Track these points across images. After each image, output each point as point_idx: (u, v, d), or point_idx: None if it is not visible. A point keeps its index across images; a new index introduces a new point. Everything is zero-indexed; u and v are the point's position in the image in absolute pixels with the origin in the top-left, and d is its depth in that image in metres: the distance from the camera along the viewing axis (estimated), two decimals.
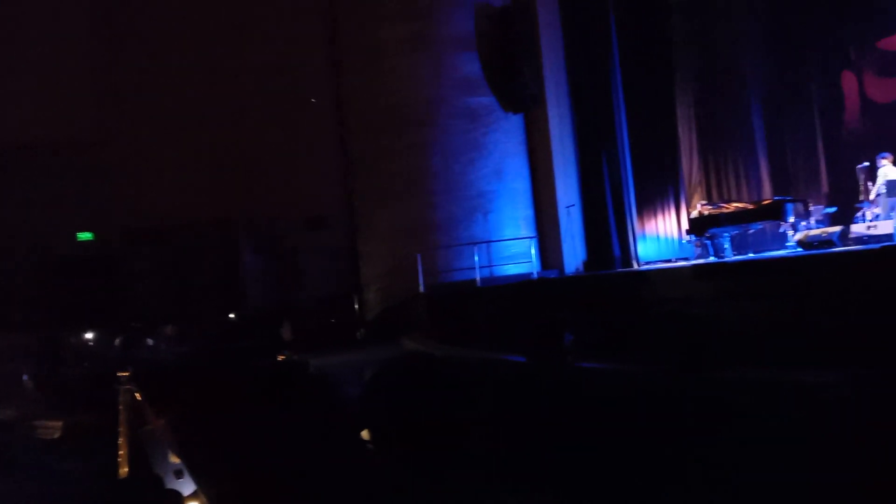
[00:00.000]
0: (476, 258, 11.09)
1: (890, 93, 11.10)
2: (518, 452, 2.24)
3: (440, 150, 11.81)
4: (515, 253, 11.85)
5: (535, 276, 11.14)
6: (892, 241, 7.99)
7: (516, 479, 2.12)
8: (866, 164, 9.76)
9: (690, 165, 13.07)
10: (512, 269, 11.63)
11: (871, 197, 9.46)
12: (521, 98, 11.76)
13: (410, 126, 11.75)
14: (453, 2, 11.83)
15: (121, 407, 4.05)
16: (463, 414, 1.62)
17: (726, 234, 9.94)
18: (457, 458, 1.55)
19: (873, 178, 9.56)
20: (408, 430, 1.53)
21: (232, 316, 12.24)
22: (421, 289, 11.00)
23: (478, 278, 10.97)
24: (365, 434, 1.76)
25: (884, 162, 9.36)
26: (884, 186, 9.20)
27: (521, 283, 9.92)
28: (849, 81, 11.66)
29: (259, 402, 2.28)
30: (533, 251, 11.63)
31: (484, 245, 11.56)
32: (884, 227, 8.35)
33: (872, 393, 1.49)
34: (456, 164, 11.82)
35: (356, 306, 12.65)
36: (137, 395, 3.97)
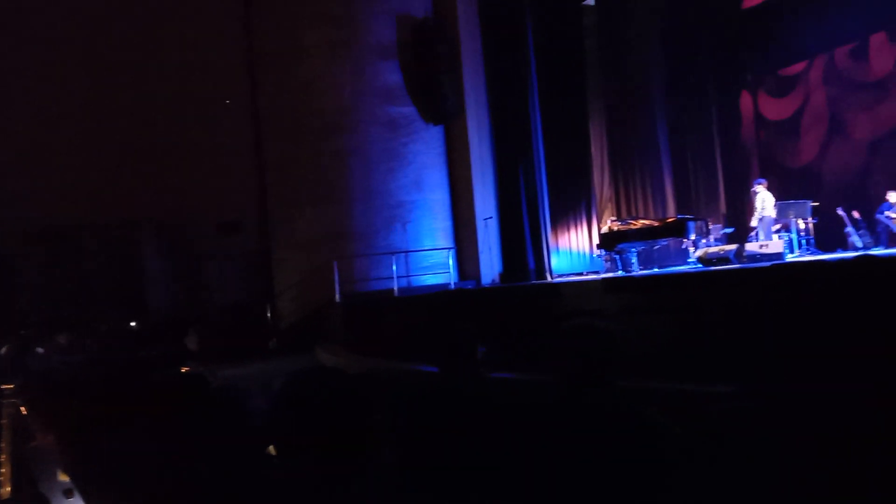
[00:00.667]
0: (394, 268, 11.05)
1: (784, 111, 11.97)
2: (426, 463, 2.24)
3: (360, 157, 11.72)
4: (433, 263, 11.90)
5: (453, 286, 11.24)
6: (782, 259, 8.60)
7: (424, 490, 2.12)
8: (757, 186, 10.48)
9: (602, 182, 13.63)
10: (430, 280, 11.67)
11: (753, 223, 10.17)
12: (442, 110, 11.89)
13: (330, 132, 11.61)
14: (375, 11, 11.81)
15: (3, 422, 3.76)
16: (373, 426, 1.60)
17: (633, 250, 10.40)
18: (365, 471, 1.53)
19: None
20: (316, 444, 1.49)
21: (133, 324, 11.59)
22: (337, 298, 10.85)
23: (395, 288, 10.94)
24: (271, 449, 1.71)
25: (759, 188, 10.13)
26: (761, 210, 9.94)
27: (438, 294, 9.97)
28: (746, 105, 12.52)
29: (158, 416, 2.17)
30: (451, 262, 11.73)
31: (402, 255, 11.55)
32: (774, 247, 8.97)
33: (765, 405, 1.59)
34: (376, 172, 11.76)
35: (268, 315, 12.30)
36: (23, 409, 3.69)
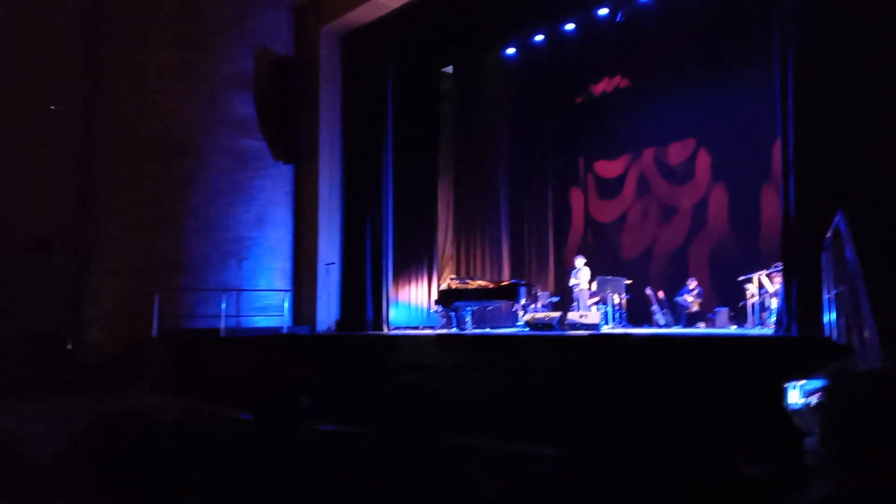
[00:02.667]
0: (223, 306, 10.45)
1: (608, 212, 13.22)
2: None
3: (201, 186, 11.12)
4: (268, 305, 11.44)
5: (285, 330, 10.85)
6: (598, 329, 9.33)
7: None
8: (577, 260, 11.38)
9: (445, 240, 14.06)
10: (262, 322, 11.18)
11: (576, 288, 11.02)
12: (294, 149, 11.71)
13: (170, 157, 10.92)
14: (234, 41, 11.49)
15: None
16: (181, 475, 1.45)
17: (469, 308, 10.75)
18: None
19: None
20: (116, 494, 1.32)
21: None
22: (154, 333, 10.01)
23: (223, 327, 10.33)
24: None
25: (578, 262, 11.09)
26: (579, 283, 10.84)
27: (268, 337, 9.56)
28: (576, 196, 13.69)
29: None
30: (286, 305, 11.34)
31: (234, 293, 10.98)
32: (592, 318, 9.72)
33: (578, 466, 1.66)
34: (216, 204, 11.19)
35: (70, 347, 11.01)
36: None
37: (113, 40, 11.09)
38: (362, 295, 11.51)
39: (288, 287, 11.79)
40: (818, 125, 6.58)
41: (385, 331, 11.27)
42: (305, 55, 12.03)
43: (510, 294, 10.49)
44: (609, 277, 10.64)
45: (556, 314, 10.02)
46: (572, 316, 9.99)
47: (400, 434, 2.06)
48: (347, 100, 12.12)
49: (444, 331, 10.50)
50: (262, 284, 11.49)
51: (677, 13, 10.76)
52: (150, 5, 11.07)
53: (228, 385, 6.87)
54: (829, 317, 5.09)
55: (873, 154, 6.20)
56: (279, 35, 12.02)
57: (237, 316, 10.98)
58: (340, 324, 11.68)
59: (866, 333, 3.58)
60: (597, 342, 6.45)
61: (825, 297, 5.33)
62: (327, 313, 11.66)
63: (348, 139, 12.08)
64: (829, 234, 4.95)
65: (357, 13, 11.49)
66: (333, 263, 11.78)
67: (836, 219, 4.50)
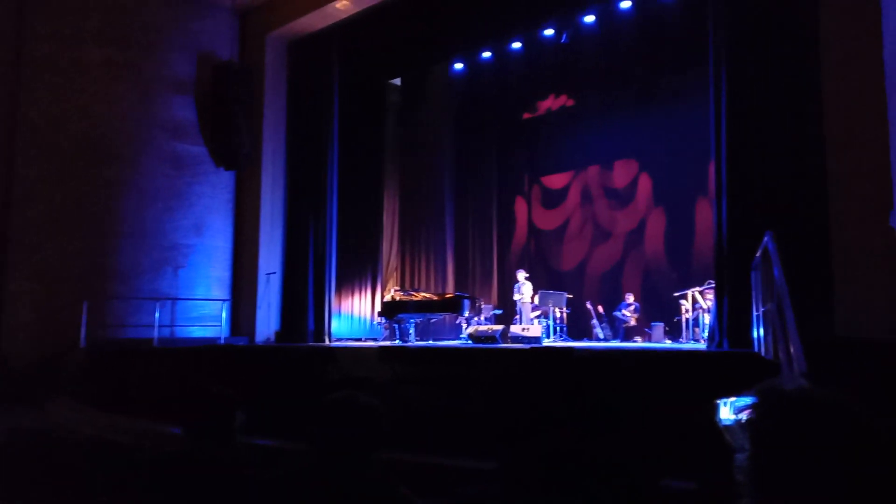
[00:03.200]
0: (157, 315, 10.07)
1: (550, 222, 13.45)
2: None
3: (136, 191, 10.71)
4: (204, 315, 11.09)
5: (223, 341, 10.53)
6: (539, 343, 9.42)
7: None
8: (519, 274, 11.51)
9: (390, 251, 13.99)
10: (198, 332, 10.82)
11: (519, 302, 11.15)
12: (236, 156, 11.43)
13: (103, 159, 10.49)
14: (174, 43, 11.18)
15: None
16: (105, 493, 1.37)
17: (412, 321, 10.69)
18: None
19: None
20: None
21: None
22: (82, 343, 9.55)
23: (155, 337, 9.95)
24: None
25: (520, 276, 11.23)
26: (522, 296, 10.97)
27: (203, 348, 9.25)
28: (521, 205, 13.87)
29: None
30: (224, 315, 11.03)
31: (169, 302, 10.60)
32: (534, 331, 9.82)
33: (513, 482, 1.64)
34: (151, 210, 10.80)
35: None
36: None
37: (41, 37, 10.60)
38: (304, 306, 11.28)
39: (226, 296, 11.47)
40: (749, 149, 6.87)
41: (326, 342, 11.08)
42: (250, 61, 11.81)
43: (454, 307, 10.50)
44: (551, 292, 10.78)
45: (499, 327, 10.08)
46: (515, 329, 10.06)
47: (332, 450, 2.01)
48: (293, 107, 11.94)
49: (387, 343, 10.41)
50: (200, 293, 11.14)
51: (619, 36, 11.09)
52: (83, 3, 10.65)
53: (159, 398, 6.61)
54: (758, 333, 5.29)
55: (798, 178, 6.52)
56: (223, 39, 11.76)
57: (171, 326, 10.59)
58: (280, 335, 11.42)
59: (792, 349, 3.73)
60: (538, 355, 6.51)
61: (754, 313, 5.54)
62: (267, 324, 11.39)
63: (293, 147, 11.88)
64: (758, 254, 5.16)
65: (305, 21, 11.36)
66: (274, 273, 11.53)
67: (766, 239, 4.69)
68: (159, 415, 5.93)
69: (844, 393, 1.06)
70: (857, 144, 6.04)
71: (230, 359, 8.53)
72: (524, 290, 11.06)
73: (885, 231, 4.93)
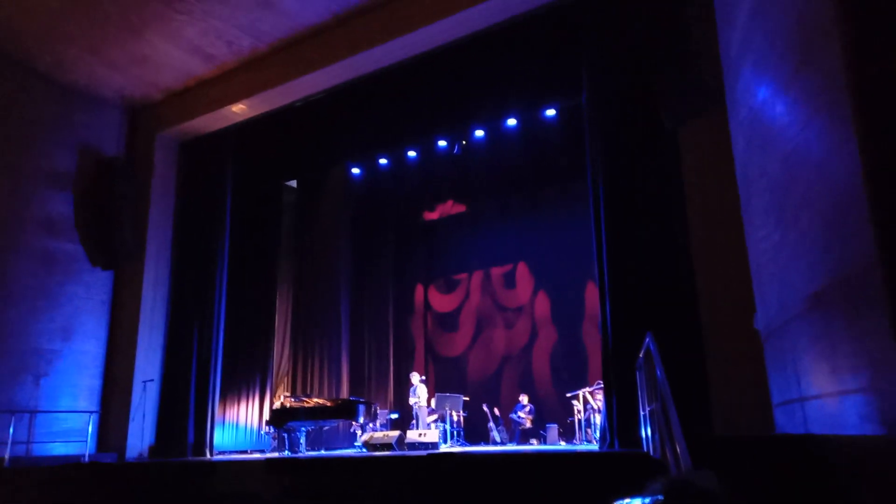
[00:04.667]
0: (11, 430, 8.97)
1: (446, 325, 13.55)
2: None
3: None
4: (69, 429, 10.01)
5: (87, 459, 9.48)
6: (437, 448, 9.20)
7: None
8: (413, 377, 11.39)
9: (281, 355, 13.44)
10: (59, 449, 9.70)
11: (416, 406, 10.97)
12: (116, 254, 10.82)
13: None
14: (54, 136, 10.68)
15: None
16: None
17: (303, 429, 10.16)
18: None
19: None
20: None
21: None
22: None
23: (7, 457, 8.81)
24: None
25: (414, 380, 11.15)
26: (417, 400, 10.83)
27: (64, 467, 8.27)
28: (419, 300, 13.92)
29: None
30: (91, 429, 9.99)
31: (27, 415, 9.50)
32: (431, 436, 9.60)
33: None
34: (14, 311, 9.87)
35: None
36: None
37: None
38: (184, 416, 10.44)
39: (95, 408, 10.46)
40: (627, 253, 7.34)
41: (207, 456, 10.24)
42: (138, 157, 11.46)
43: (348, 412, 10.10)
44: (448, 395, 10.68)
45: (396, 433, 9.77)
46: (412, 434, 9.79)
47: None
48: (182, 205, 11.57)
49: (275, 454, 9.78)
50: (64, 405, 10.09)
51: (507, 148, 11.88)
52: None
53: None
54: (646, 432, 5.44)
55: (672, 281, 7.00)
56: (109, 135, 11.40)
57: (28, 442, 9.46)
58: (155, 449, 10.43)
59: (678, 447, 3.85)
60: (435, 462, 6.33)
61: (641, 413, 5.71)
62: (140, 437, 10.40)
63: (180, 246, 11.39)
64: (641, 355, 5.39)
65: (199, 122, 11.25)
66: (153, 380, 10.69)
67: (647, 340, 4.93)
68: None
69: (726, 488, 1.09)
70: (719, 250, 6.53)
71: (96, 478, 7.68)
72: (419, 393, 10.91)
73: (752, 334, 5.29)
